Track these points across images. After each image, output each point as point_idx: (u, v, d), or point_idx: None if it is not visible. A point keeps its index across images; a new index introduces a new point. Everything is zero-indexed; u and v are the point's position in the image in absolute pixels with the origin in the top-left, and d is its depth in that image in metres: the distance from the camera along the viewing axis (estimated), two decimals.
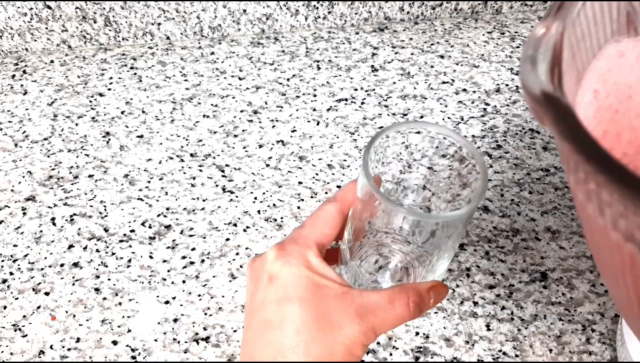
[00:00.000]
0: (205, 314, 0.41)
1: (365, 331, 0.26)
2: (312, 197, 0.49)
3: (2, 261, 0.45)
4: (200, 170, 0.51)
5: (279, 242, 0.29)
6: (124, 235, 0.47)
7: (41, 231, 0.47)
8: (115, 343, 0.40)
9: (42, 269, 0.44)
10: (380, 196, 0.25)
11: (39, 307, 0.42)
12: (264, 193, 0.49)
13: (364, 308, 0.26)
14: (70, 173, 0.52)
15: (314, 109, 0.57)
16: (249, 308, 0.28)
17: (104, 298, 0.42)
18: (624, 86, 0.22)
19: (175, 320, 0.41)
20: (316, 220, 0.29)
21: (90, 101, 0.59)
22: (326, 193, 0.49)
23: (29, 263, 0.45)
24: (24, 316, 0.42)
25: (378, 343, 0.40)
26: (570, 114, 0.17)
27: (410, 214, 0.27)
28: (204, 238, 0.46)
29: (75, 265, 0.45)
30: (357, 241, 0.32)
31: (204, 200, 0.49)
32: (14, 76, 0.62)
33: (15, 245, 0.46)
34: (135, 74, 0.62)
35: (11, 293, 0.43)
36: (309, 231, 0.29)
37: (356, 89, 0.59)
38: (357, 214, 0.30)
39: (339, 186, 0.50)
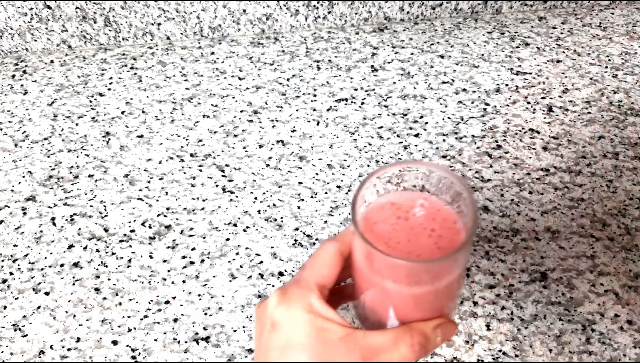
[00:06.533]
0: (205, 314, 0.41)
1: None
2: (312, 197, 0.49)
3: (2, 261, 0.45)
4: (200, 170, 0.51)
5: (282, 286, 0.29)
6: (124, 235, 0.47)
7: (41, 231, 0.47)
8: (115, 343, 0.40)
9: (42, 269, 0.45)
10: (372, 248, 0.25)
11: (39, 307, 0.42)
12: (264, 193, 0.49)
13: (367, 351, 0.26)
14: (70, 173, 0.52)
15: (314, 109, 0.57)
16: (257, 351, 0.29)
17: (104, 298, 0.42)
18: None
19: (175, 320, 0.41)
20: (315, 261, 0.29)
21: (90, 101, 0.59)
22: (326, 193, 0.49)
23: (29, 263, 0.45)
24: (24, 316, 0.42)
25: None
26: None
27: (403, 261, 0.26)
28: (204, 238, 0.46)
29: (75, 265, 0.45)
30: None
31: (204, 200, 0.49)
32: (14, 76, 0.62)
33: (15, 245, 0.46)
34: (135, 74, 0.62)
35: (11, 293, 0.43)
36: (308, 272, 0.29)
37: (356, 89, 0.59)
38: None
39: (339, 186, 0.50)
